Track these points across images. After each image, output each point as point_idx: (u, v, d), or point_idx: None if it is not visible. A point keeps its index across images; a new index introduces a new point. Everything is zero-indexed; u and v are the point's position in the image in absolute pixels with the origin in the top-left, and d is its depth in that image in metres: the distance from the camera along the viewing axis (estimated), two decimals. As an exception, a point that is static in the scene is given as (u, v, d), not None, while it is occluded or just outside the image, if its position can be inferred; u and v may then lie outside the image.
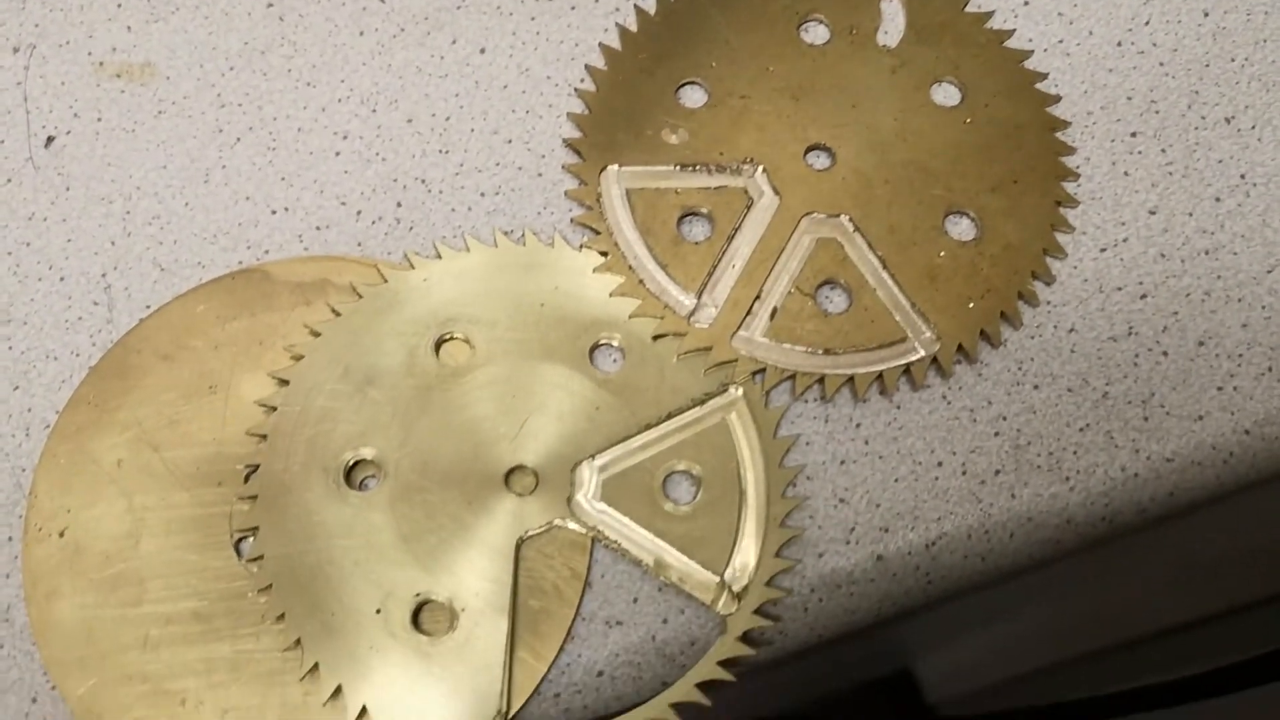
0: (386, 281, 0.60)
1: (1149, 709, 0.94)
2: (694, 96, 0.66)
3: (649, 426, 0.60)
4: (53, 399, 0.62)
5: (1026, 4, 0.71)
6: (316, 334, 0.59)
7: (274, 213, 0.64)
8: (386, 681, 0.56)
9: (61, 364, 0.62)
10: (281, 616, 0.57)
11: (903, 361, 0.62)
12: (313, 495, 0.59)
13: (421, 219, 0.65)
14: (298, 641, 0.56)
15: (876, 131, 0.64)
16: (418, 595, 0.58)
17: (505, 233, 0.64)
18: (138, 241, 0.63)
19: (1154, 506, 0.62)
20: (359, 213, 0.65)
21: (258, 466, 0.59)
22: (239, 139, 0.63)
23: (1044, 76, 0.66)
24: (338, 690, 0.56)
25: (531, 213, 0.66)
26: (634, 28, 0.66)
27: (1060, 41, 0.69)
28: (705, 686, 0.57)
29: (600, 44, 0.66)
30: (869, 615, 0.60)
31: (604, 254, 0.62)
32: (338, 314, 0.60)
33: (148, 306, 0.63)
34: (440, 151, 0.63)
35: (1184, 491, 0.62)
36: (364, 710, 0.55)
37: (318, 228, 0.64)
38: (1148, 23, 0.71)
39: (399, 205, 0.63)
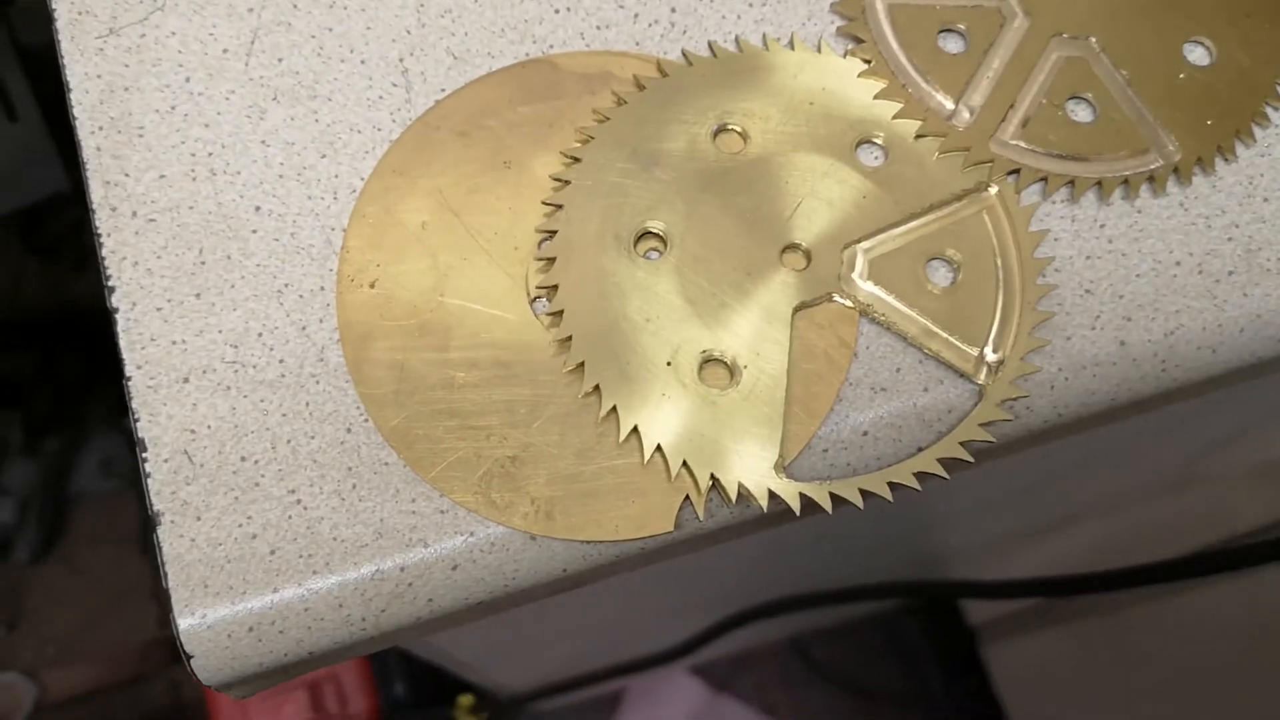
0: (666, 75, 0.63)
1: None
2: None
3: (913, 216, 0.63)
4: (358, 167, 0.63)
5: None
6: (604, 119, 0.62)
7: (557, 11, 0.66)
8: (677, 425, 0.58)
9: (365, 137, 0.64)
10: (580, 365, 0.58)
11: (1147, 169, 0.64)
12: (607, 259, 0.61)
13: (694, 24, 0.66)
14: (596, 387, 0.58)
15: None
16: (704, 352, 0.60)
17: (774, 39, 0.63)
18: (431, 31, 0.65)
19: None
20: (636, 15, 0.66)
21: (553, 233, 0.61)
22: (526, -60, 0.62)
23: None
24: (634, 430, 0.58)
25: (797, 22, 0.67)
26: None
27: None
28: (966, 446, 0.58)
29: None
30: (1107, 398, 0.62)
31: (867, 61, 0.65)
32: (623, 102, 0.64)
33: (443, 90, 0.65)
34: (712, -40, 0.62)
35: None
36: (658, 448, 0.57)
37: (598, 27, 0.66)
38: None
39: (673, 10, 0.66)
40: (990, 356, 0.60)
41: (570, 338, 0.59)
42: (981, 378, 0.59)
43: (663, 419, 0.58)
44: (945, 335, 0.59)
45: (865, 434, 0.60)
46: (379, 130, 0.64)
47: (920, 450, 0.58)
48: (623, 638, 1.39)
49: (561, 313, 0.59)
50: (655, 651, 1.43)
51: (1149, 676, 1.35)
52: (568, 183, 0.62)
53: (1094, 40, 0.63)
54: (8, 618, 1.66)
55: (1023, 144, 0.64)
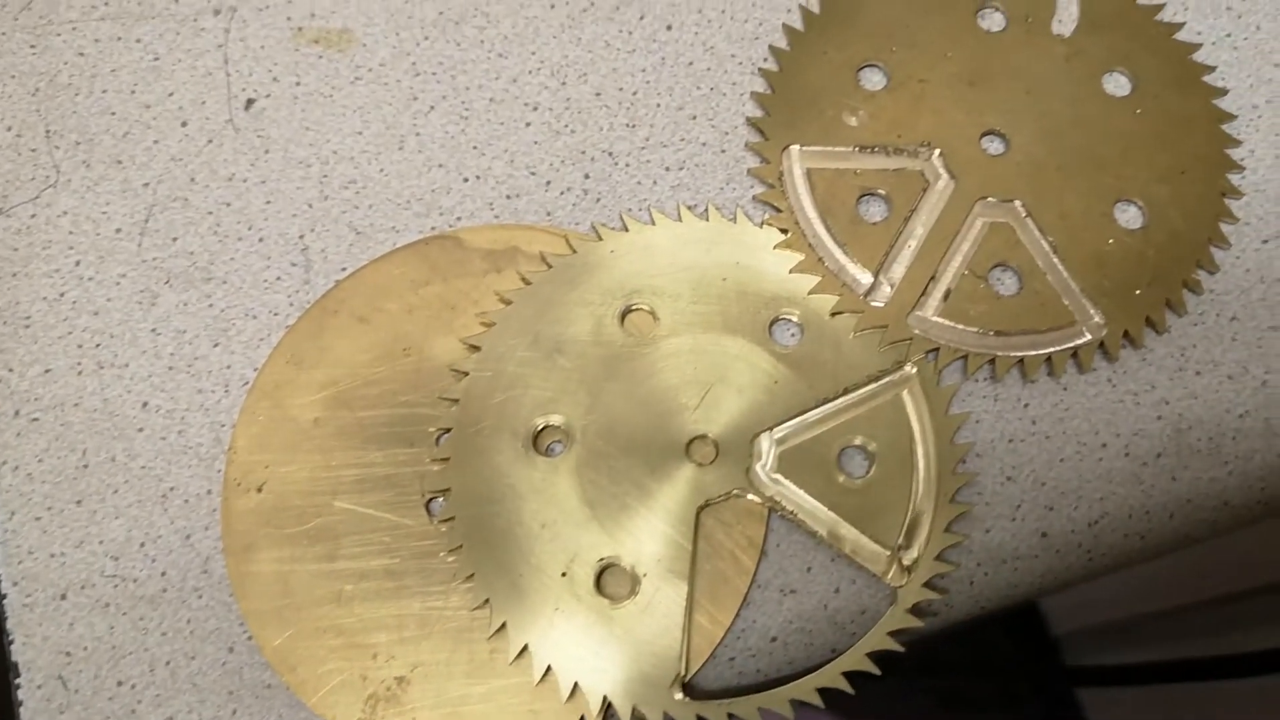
0: (575, 252, 0.59)
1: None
2: (873, 79, 0.63)
3: (826, 401, 0.58)
4: (251, 356, 0.59)
5: (1196, -2, 0.63)
6: (507, 302, 0.58)
7: (466, 180, 0.61)
8: (571, 642, 0.54)
9: (260, 322, 0.60)
10: (471, 576, 0.54)
11: (1071, 345, 0.60)
12: (503, 459, 0.56)
13: (608, 191, 0.61)
14: (486, 601, 0.54)
15: (1049, 119, 0.61)
16: (602, 560, 0.55)
17: (689, 207, 0.60)
18: (334, 205, 0.60)
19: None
20: (548, 183, 0.62)
21: (449, 429, 0.56)
22: (433, 107, 0.60)
23: (1212, 69, 0.62)
24: (524, 649, 0.54)
25: (714, 188, 0.62)
26: (816, 9, 0.63)
27: (1228, 35, 0.66)
28: (875, 656, 0.54)
29: (784, 25, 0.63)
30: (1031, 589, 0.57)
31: (784, 231, 0.59)
32: (527, 282, 0.60)
33: (343, 269, 0.61)
34: (627, 125, 0.59)
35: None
36: (549, 669, 0.53)
37: (508, 196, 0.61)
38: (1314, 19, 0.62)
39: (586, 177, 0.60)
40: (904, 556, 0.55)
41: (461, 546, 0.54)
42: (895, 579, 0.54)
43: (556, 636, 0.54)
44: (858, 533, 0.55)
45: (774, 639, 0.56)
46: (275, 315, 0.59)
47: (835, 653, 0.55)
48: None
49: (453, 518, 0.55)
50: None
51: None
52: (466, 374, 0.56)
53: (1020, 204, 0.58)
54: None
55: (943, 320, 0.59)
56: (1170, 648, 1.02)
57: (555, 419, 0.57)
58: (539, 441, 0.57)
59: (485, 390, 0.58)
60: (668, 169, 0.64)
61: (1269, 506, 0.58)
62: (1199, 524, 0.58)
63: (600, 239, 0.58)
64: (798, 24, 0.66)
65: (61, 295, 0.60)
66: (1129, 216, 0.62)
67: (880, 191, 0.62)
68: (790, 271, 0.59)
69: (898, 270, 0.60)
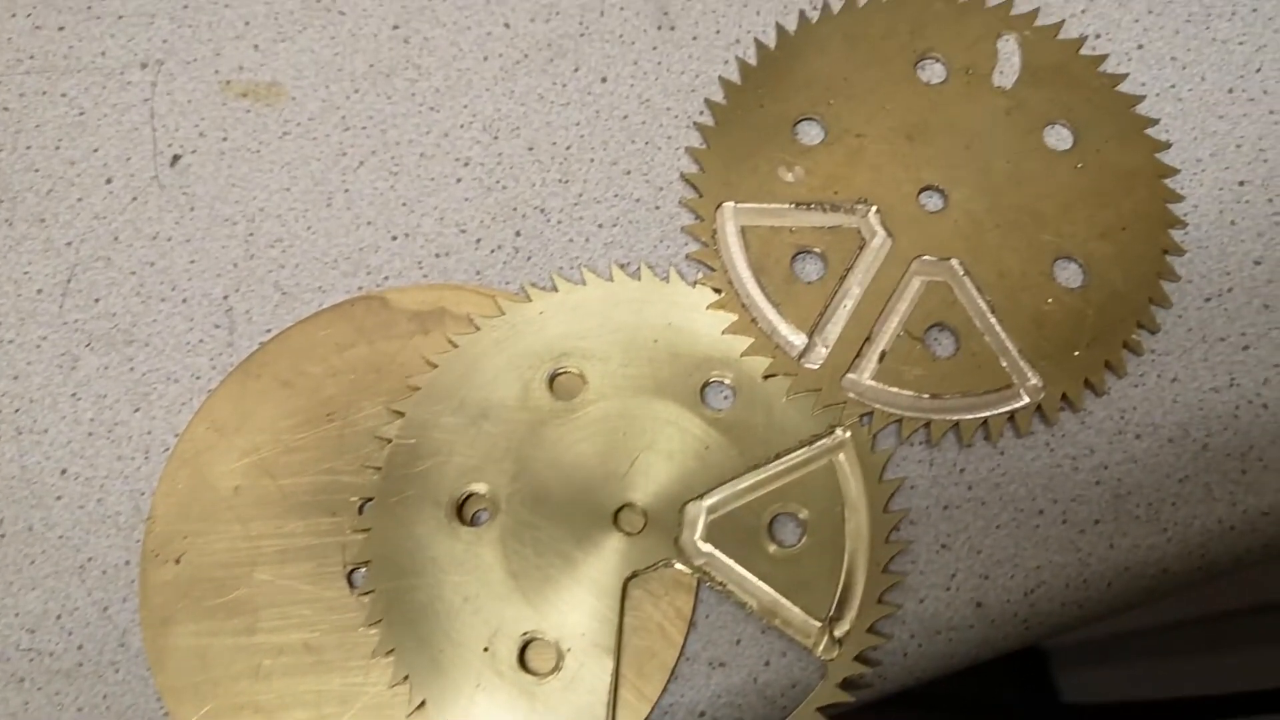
0: (503, 314, 0.58)
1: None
2: (811, 133, 0.63)
3: (757, 467, 0.57)
4: (172, 422, 0.58)
5: (1140, 48, 0.65)
6: (433, 365, 0.57)
7: (394, 239, 0.59)
8: (492, 720, 0.48)
9: (182, 386, 0.58)
10: (391, 652, 0.53)
11: (1008, 408, 0.58)
12: (424, 530, 0.55)
13: (539, 249, 0.61)
14: (406, 678, 0.52)
15: (989, 174, 0.58)
16: (525, 634, 0.53)
17: (621, 265, 0.60)
18: (260, 264, 0.59)
19: (1249, 558, 0.56)
20: (478, 241, 0.60)
21: (372, 498, 0.54)
22: (362, 163, 0.58)
23: (1155, 122, 0.61)
24: (445, 728, 0.48)
25: (648, 246, 0.61)
26: (753, 61, 0.61)
27: (1172, 87, 0.65)
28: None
29: (720, 77, 0.61)
30: (966, 660, 0.56)
31: (718, 291, 0.59)
32: (454, 345, 0.58)
33: (268, 330, 0.59)
34: (560, 181, 0.58)
35: (1279, 546, 0.55)
36: (470, 749, 0.48)
37: (437, 255, 0.59)
38: (1259, 70, 0.65)
39: (518, 234, 0.59)
40: (836, 628, 0.54)
41: (381, 621, 0.53)
42: (826, 652, 0.53)
43: (477, 714, 0.52)
44: (788, 604, 0.54)
45: (702, 715, 0.54)
46: (197, 378, 0.58)
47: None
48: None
49: (373, 592, 0.53)
50: None
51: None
52: (390, 441, 0.55)
53: (957, 263, 0.56)
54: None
55: (878, 383, 0.57)
56: (1168, 685, 1.01)
57: (480, 488, 0.56)
58: (463, 511, 0.56)
59: (408, 458, 0.56)
60: (600, 226, 0.62)
61: (1209, 573, 0.56)
62: (1138, 592, 0.56)
63: (529, 300, 0.58)
64: (734, 76, 0.65)
65: (-20, 359, 0.55)
66: (1069, 275, 0.60)
67: (816, 250, 0.61)
68: (723, 333, 0.58)
69: (832, 331, 0.59)
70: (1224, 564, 0.56)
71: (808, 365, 0.59)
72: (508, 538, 0.55)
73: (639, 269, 0.60)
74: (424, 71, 0.64)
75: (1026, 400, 0.58)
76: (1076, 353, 0.59)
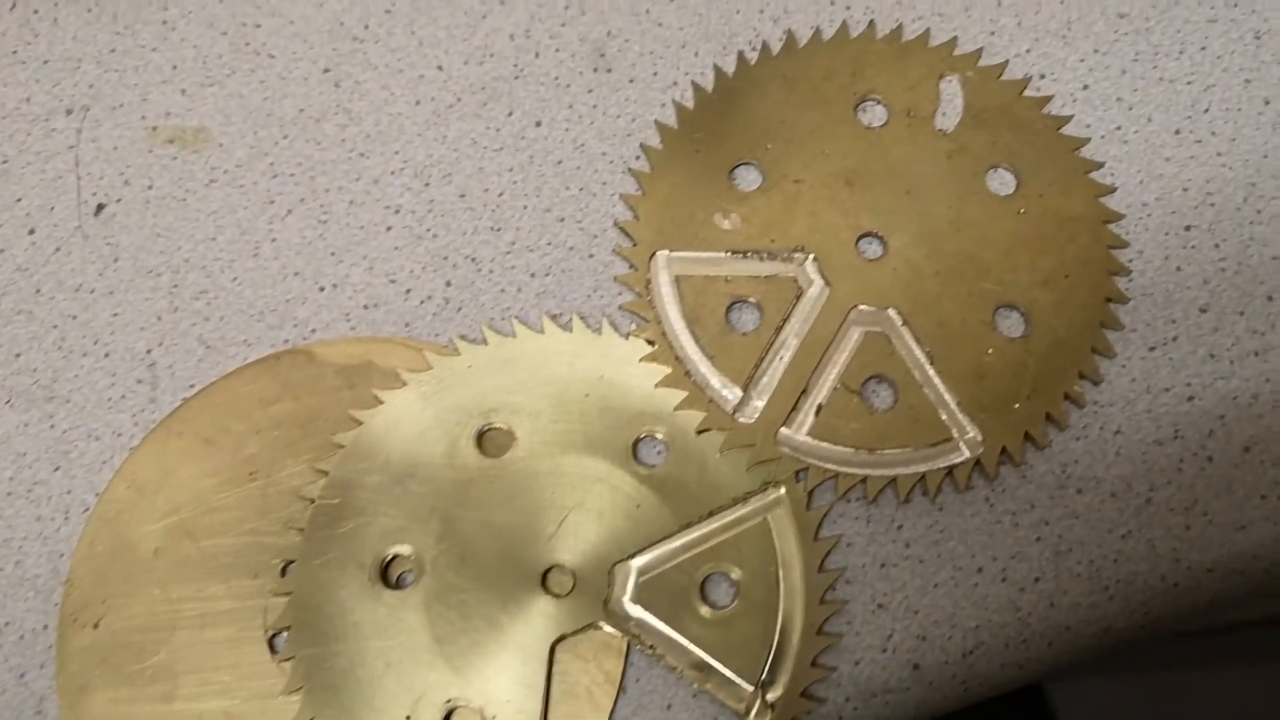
0: (431, 368, 0.56)
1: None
2: (748, 178, 0.62)
3: (689, 526, 0.55)
4: (93, 481, 0.57)
5: (1085, 88, 0.64)
6: (358, 422, 0.56)
7: (322, 290, 0.57)
8: (414, 793, 0.47)
9: (103, 444, 0.57)
10: (311, 720, 0.47)
11: (946, 463, 0.56)
12: (347, 593, 0.53)
13: (470, 299, 0.59)
14: (326, 747, 0.47)
15: (930, 220, 0.58)
16: (449, 701, 0.52)
17: (553, 316, 0.59)
18: (184, 317, 0.57)
19: (1194, 616, 0.55)
20: (408, 291, 0.58)
21: (294, 560, 0.53)
22: (290, 211, 0.57)
23: (1099, 166, 0.62)
24: (365, 800, 0.47)
25: (581, 296, 0.59)
26: (690, 104, 0.60)
27: (1118, 129, 0.64)
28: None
29: (656, 121, 0.60)
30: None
31: (651, 343, 0.58)
32: (380, 401, 0.56)
33: (191, 386, 0.58)
34: (492, 229, 0.58)
35: (1224, 602, 0.55)
36: (391, 822, 0.47)
37: (365, 306, 0.58)
38: (1207, 110, 0.64)
39: (448, 284, 0.58)
40: (769, 692, 0.52)
41: (301, 688, 0.51)
42: (758, 717, 0.52)
43: (398, 785, 0.47)
44: (719, 668, 0.53)
45: (632, 781, 0.49)
46: (119, 436, 0.57)
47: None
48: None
49: (294, 658, 0.51)
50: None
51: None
52: (313, 501, 0.53)
53: (895, 312, 0.58)
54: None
55: (813, 438, 0.56)
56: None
57: (404, 549, 0.54)
58: (388, 573, 0.54)
59: (332, 518, 0.55)
60: (533, 275, 0.61)
61: (1152, 631, 0.55)
62: (1079, 651, 0.55)
63: (458, 353, 0.57)
64: (671, 120, 0.63)
65: (-103, 417, 0.54)
66: (1010, 324, 0.59)
67: (751, 300, 0.59)
68: (656, 386, 0.57)
69: (768, 384, 0.58)
70: (1167, 622, 0.55)
71: (742, 420, 0.57)
72: (432, 601, 0.53)
73: (571, 320, 0.59)
74: (355, 116, 0.62)
75: (966, 454, 0.57)
76: (1017, 405, 0.57)
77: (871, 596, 0.55)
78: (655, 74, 0.64)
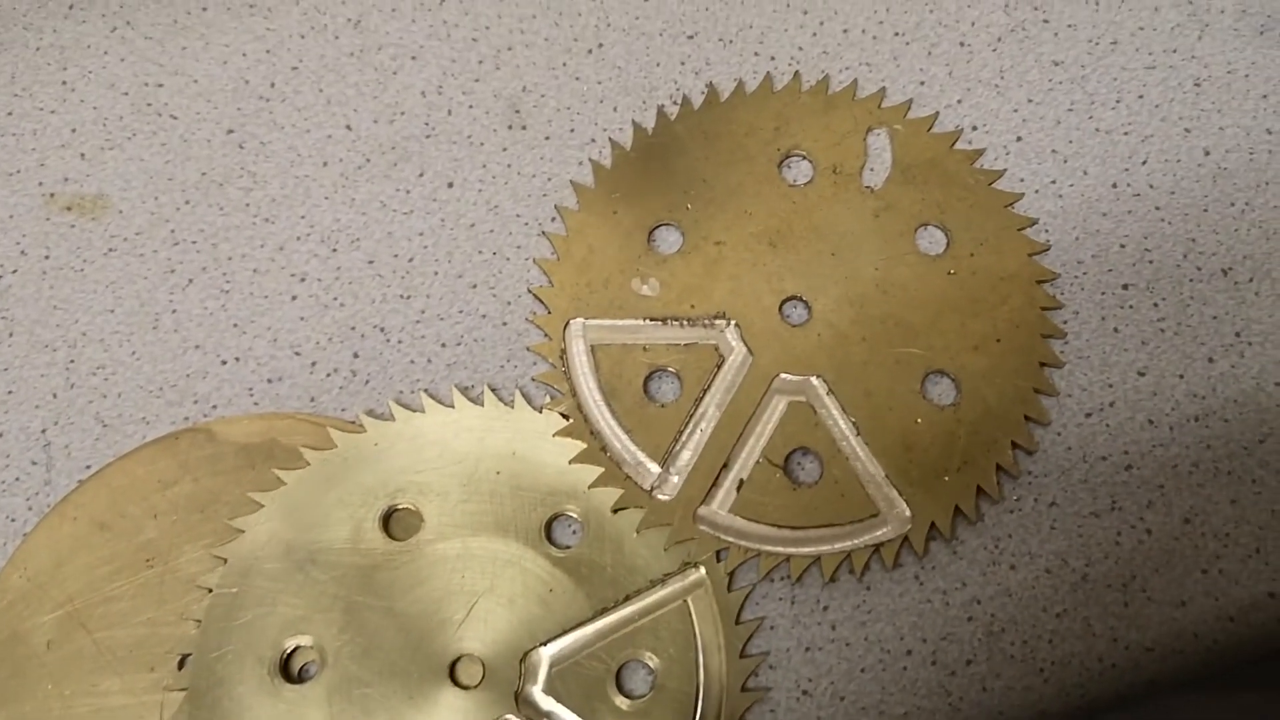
0: (335, 446, 0.53)
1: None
2: (668, 240, 0.59)
3: (605, 611, 0.53)
4: (-16, 569, 0.49)
5: (1019, 140, 0.61)
6: (259, 505, 0.53)
7: (224, 363, 0.54)
8: None
9: None
10: (203, 829, 0.45)
11: (874, 540, 0.54)
12: (245, 689, 0.51)
13: (378, 371, 0.57)
14: None
15: (856, 283, 0.56)
16: (352, 803, 0.45)
17: (463, 389, 0.56)
18: (81, 394, 0.54)
19: (1132, 696, 0.53)
20: (313, 364, 0.56)
21: (191, 653, 0.50)
22: (191, 280, 0.54)
23: (1033, 222, 0.58)
24: None
25: (494, 366, 0.58)
26: (608, 163, 0.59)
27: (1053, 182, 0.62)
28: None
29: (572, 181, 0.59)
30: (829, 813, 0.48)
31: (565, 416, 0.56)
32: (282, 482, 0.53)
33: (88, 467, 0.56)
34: (401, 296, 0.54)
35: (1164, 682, 0.53)
36: None
37: (269, 380, 0.55)
38: (1145, 162, 0.62)
39: (355, 356, 0.55)
40: (686, 791, 0.46)
41: (196, 794, 0.46)
42: (674, 817, 0.46)
43: None
44: None
45: None
46: (12, 521, 0.55)
47: None
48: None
49: (189, 760, 0.46)
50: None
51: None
52: (210, 590, 0.51)
53: (820, 381, 0.54)
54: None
55: (735, 515, 0.54)
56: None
57: (306, 640, 0.52)
58: (289, 666, 0.52)
59: (230, 609, 0.52)
60: (444, 345, 0.58)
61: (1089, 713, 0.52)
62: (1013, 735, 0.49)
63: (364, 430, 0.55)
64: (587, 179, 0.61)
65: None
66: (940, 391, 0.57)
67: (671, 369, 0.57)
68: (570, 462, 0.55)
69: (688, 459, 0.55)
70: (1105, 703, 0.53)
71: (660, 497, 0.55)
72: (334, 695, 0.51)
73: (483, 393, 0.56)
74: (259, 179, 0.59)
75: (894, 530, 0.54)
76: (947, 477, 0.55)
77: (796, 683, 0.53)
78: (572, 130, 0.61)
